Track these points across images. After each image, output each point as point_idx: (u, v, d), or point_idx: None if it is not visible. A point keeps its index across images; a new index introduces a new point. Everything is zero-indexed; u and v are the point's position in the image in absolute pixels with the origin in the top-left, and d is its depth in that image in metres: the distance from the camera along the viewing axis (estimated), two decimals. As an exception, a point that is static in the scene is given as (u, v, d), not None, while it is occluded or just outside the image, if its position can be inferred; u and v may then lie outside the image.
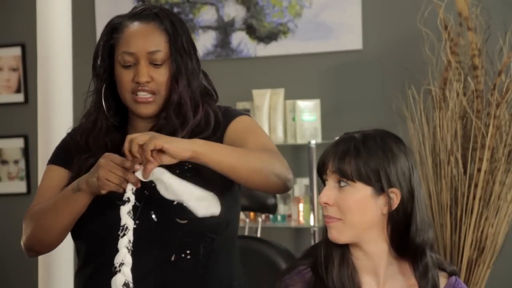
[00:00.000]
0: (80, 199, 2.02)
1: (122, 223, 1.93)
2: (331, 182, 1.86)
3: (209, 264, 2.08)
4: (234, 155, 1.97)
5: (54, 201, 2.08)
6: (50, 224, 2.08)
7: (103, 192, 1.96)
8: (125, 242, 1.92)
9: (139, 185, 1.94)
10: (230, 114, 2.18)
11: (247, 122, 2.18)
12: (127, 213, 1.93)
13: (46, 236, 2.11)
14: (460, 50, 3.83)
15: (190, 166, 2.07)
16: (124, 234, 1.92)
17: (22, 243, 2.14)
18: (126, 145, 1.90)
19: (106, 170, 1.93)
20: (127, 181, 1.93)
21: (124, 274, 1.90)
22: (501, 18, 3.89)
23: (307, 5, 4.44)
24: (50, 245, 2.15)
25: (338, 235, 1.85)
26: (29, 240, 2.12)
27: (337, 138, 1.94)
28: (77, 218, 2.07)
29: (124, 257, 1.91)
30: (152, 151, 1.88)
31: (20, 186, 4.93)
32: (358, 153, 1.84)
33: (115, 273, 1.90)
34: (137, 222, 2.03)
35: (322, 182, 1.90)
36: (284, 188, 2.09)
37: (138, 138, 1.89)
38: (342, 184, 1.85)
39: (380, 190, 1.84)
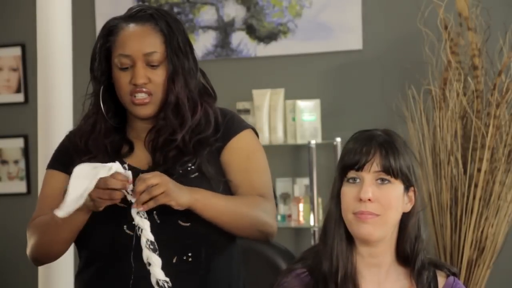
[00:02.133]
0: (79, 217, 2.03)
1: (135, 223, 1.96)
2: (370, 178, 1.85)
3: (210, 266, 2.09)
4: (225, 215, 2.05)
5: (53, 218, 2.06)
6: (52, 240, 2.10)
7: (100, 209, 1.98)
8: (143, 242, 1.94)
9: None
10: (235, 125, 2.19)
11: (249, 143, 2.19)
12: (137, 214, 1.96)
13: (50, 250, 2.13)
14: (460, 50, 3.83)
15: (193, 167, 2.08)
16: (140, 234, 1.95)
17: (28, 253, 2.16)
18: (140, 187, 1.94)
19: (97, 191, 1.95)
20: (116, 190, 1.94)
21: (153, 275, 1.93)
22: (501, 18, 3.89)
23: (307, 5, 4.44)
24: (55, 256, 2.17)
25: (374, 230, 1.84)
26: (34, 252, 2.14)
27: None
28: (79, 231, 2.08)
29: (147, 256, 1.94)
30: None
31: (20, 186, 4.92)
32: (398, 150, 1.85)
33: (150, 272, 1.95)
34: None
35: (341, 179, 1.87)
36: (265, 240, 2.19)
37: (152, 192, 1.94)
38: (385, 181, 1.85)
39: (408, 187, 1.86)
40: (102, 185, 1.93)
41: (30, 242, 2.13)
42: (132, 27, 2.11)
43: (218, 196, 2.06)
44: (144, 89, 2.09)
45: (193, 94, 2.13)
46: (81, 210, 2.00)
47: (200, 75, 2.18)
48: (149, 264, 1.94)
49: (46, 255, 2.15)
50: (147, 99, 2.09)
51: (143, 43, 2.09)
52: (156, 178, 1.95)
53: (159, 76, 2.10)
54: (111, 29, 2.13)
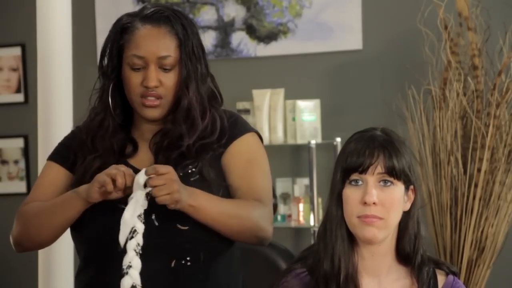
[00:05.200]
0: (74, 202, 2.03)
1: (131, 225, 1.94)
2: (373, 181, 1.84)
3: (209, 270, 2.08)
4: (220, 220, 2.03)
5: (52, 202, 2.08)
6: (42, 224, 2.08)
7: (96, 196, 1.96)
8: (133, 245, 1.92)
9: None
10: (238, 128, 2.17)
11: (251, 146, 2.17)
12: (138, 216, 1.94)
13: (37, 235, 2.11)
14: (460, 50, 3.83)
15: (194, 170, 2.08)
16: (132, 237, 1.92)
17: (11, 237, 2.15)
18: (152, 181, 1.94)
19: (103, 173, 1.96)
20: (117, 180, 1.95)
21: (131, 277, 1.90)
22: (501, 18, 3.89)
23: (307, 5, 4.44)
24: (40, 245, 2.15)
25: (379, 233, 1.84)
26: (19, 236, 2.13)
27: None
28: (70, 223, 2.07)
29: (131, 259, 1.91)
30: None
31: (20, 186, 4.93)
32: (399, 151, 1.85)
33: (123, 275, 1.91)
34: None
35: (344, 181, 1.87)
36: (258, 245, 2.16)
37: (157, 191, 1.93)
38: (388, 183, 1.84)
39: (408, 187, 1.86)
40: (106, 176, 1.95)
41: (18, 225, 2.11)
42: (148, 28, 2.09)
43: (215, 201, 2.04)
44: (154, 92, 2.08)
45: (204, 99, 2.13)
46: (80, 196, 2.00)
47: (210, 80, 2.18)
48: (130, 267, 1.90)
49: (30, 240, 2.13)
50: (156, 102, 2.09)
51: (158, 46, 2.08)
52: (162, 180, 1.94)
53: (170, 79, 2.09)
54: (126, 26, 2.11)
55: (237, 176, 2.11)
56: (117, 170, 1.95)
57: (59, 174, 2.16)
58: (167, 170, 1.95)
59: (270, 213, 2.13)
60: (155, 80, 2.07)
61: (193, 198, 1.99)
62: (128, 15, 2.14)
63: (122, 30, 2.11)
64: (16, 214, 2.14)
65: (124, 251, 1.92)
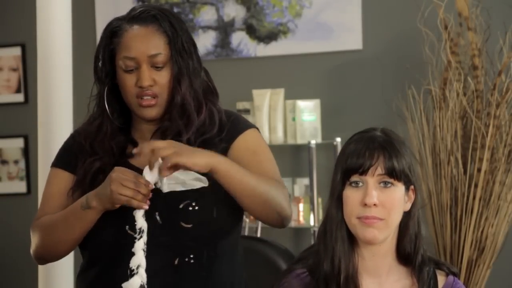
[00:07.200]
0: (89, 215, 2.03)
1: (138, 226, 1.94)
2: (373, 182, 1.84)
3: (212, 268, 2.08)
4: (248, 182, 2.01)
5: (63, 216, 2.08)
6: (60, 238, 2.10)
7: (116, 206, 1.97)
8: (141, 245, 1.93)
9: (148, 203, 1.96)
10: (240, 125, 2.18)
11: (254, 139, 2.18)
12: (142, 216, 1.95)
13: (56, 249, 2.13)
14: (460, 50, 3.83)
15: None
16: (141, 237, 1.93)
17: (31, 252, 2.16)
18: (146, 152, 1.93)
19: (118, 184, 1.94)
20: (140, 193, 1.94)
21: (141, 276, 1.91)
22: (501, 18, 3.89)
23: (307, 5, 4.44)
24: (60, 256, 2.17)
25: (379, 234, 1.84)
26: (39, 251, 2.14)
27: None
28: (85, 233, 2.08)
29: (141, 260, 1.92)
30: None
31: (20, 186, 4.92)
32: (399, 151, 1.85)
33: (132, 275, 1.91)
34: None
35: (343, 182, 1.87)
36: (280, 226, 2.14)
37: (162, 151, 1.92)
38: (388, 184, 1.84)
39: (408, 187, 1.86)
40: (130, 184, 1.93)
41: (35, 241, 2.13)
42: (136, 28, 2.10)
43: (240, 167, 2.02)
44: (149, 91, 2.09)
45: (198, 94, 2.13)
46: (94, 208, 2.00)
47: (204, 74, 2.18)
48: (139, 266, 1.91)
49: (51, 254, 2.15)
50: (153, 101, 2.09)
51: (148, 45, 2.08)
52: (169, 149, 1.93)
53: (164, 77, 2.10)
54: (114, 30, 2.12)
55: (246, 166, 2.09)
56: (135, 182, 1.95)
57: (65, 180, 2.17)
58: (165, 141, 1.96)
59: (288, 194, 2.13)
60: (149, 79, 2.08)
61: (218, 157, 1.98)
62: (117, 19, 2.15)
63: (111, 34, 2.13)
64: (31, 229, 2.15)
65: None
